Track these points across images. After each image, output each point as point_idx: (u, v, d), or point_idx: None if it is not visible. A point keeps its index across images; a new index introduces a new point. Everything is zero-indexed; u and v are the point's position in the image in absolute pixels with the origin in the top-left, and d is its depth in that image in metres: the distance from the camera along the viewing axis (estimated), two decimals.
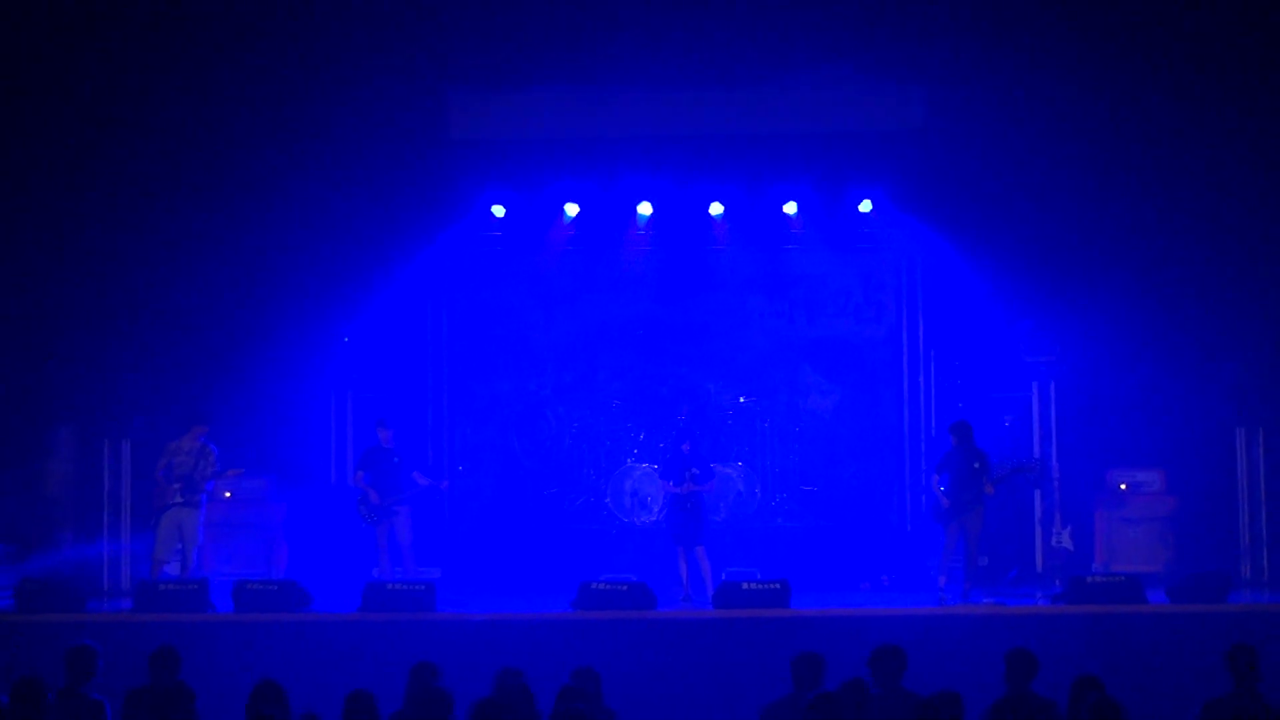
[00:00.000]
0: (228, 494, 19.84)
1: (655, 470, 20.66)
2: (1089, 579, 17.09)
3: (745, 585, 16.81)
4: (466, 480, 21.52)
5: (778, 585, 16.69)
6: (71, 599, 16.81)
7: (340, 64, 20.21)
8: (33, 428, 20.45)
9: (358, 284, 21.08)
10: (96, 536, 19.56)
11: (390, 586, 16.79)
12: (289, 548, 20.26)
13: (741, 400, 21.82)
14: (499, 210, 21.69)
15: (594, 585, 16.81)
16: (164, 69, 20.08)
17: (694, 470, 18.32)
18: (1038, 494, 19.90)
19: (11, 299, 20.30)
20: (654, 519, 20.61)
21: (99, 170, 20.40)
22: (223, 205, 20.56)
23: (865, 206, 21.49)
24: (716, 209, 21.70)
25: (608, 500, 21.13)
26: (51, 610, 16.49)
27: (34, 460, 20.39)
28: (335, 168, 20.79)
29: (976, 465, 17.83)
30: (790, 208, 21.65)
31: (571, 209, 21.74)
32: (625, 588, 16.78)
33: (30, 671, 11.19)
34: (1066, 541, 19.38)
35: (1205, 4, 19.66)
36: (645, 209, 21.71)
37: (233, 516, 20.00)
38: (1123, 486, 20.12)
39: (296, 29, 19.90)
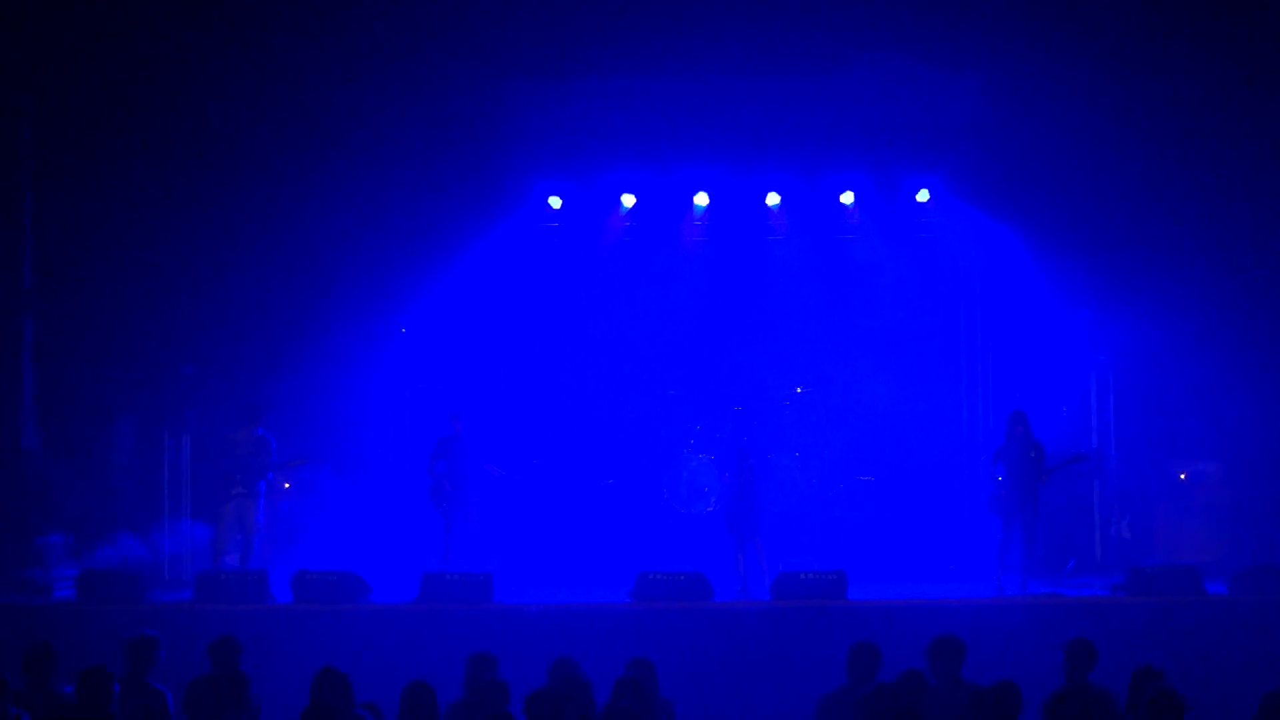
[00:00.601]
0: (286, 485, 19.95)
1: (712, 460, 20.66)
2: (1148, 569, 17.02)
3: (803, 575, 16.80)
4: (536, 471, 21.50)
5: (835, 575, 16.68)
6: (133, 589, 16.94)
7: (398, 57, 20.28)
8: (94, 420, 20.59)
9: (415, 275, 21.14)
10: (157, 527, 19.68)
11: (448, 576, 16.85)
12: (347, 538, 20.33)
13: (798, 391, 21.79)
14: (556, 201, 21.73)
15: (651, 575, 16.83)
16: (221, 65, 20.19)
17: (751, 461, 18.30)
18: (1096, 484, 19.81)
19: (73, 293, 20.43)
20: (711, 509, 20.61)
21: (160, 167, 20.52)
22: (281, 199, 20.65)
23: (922, 196, 21.43)
24: (773, 199, 21.68)
25: (665, 491, 21.13)
26: (113, 600, 16.62)
27: (95, 452, 20.53)
28: (393, 160, 20.85)
29: (1033, 455, 17.76)
30: (847, 198, 21.61)
31: (628, 200, 21.75)
32: (682, 578, 16.79)
33: (94, 662, 11.27)
34: (1126, 532, 19.31)
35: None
36: (702, 200, 21.70)
37: (292, 507, 20.10)
38: (1182, 477, 20.02)
39: (354, 22, 19.98)
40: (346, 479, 20.59)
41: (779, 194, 21.62)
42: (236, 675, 12.07)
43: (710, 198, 21.68)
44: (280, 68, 20.23)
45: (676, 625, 15.95)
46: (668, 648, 14.70)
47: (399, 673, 11.39)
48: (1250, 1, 19.58)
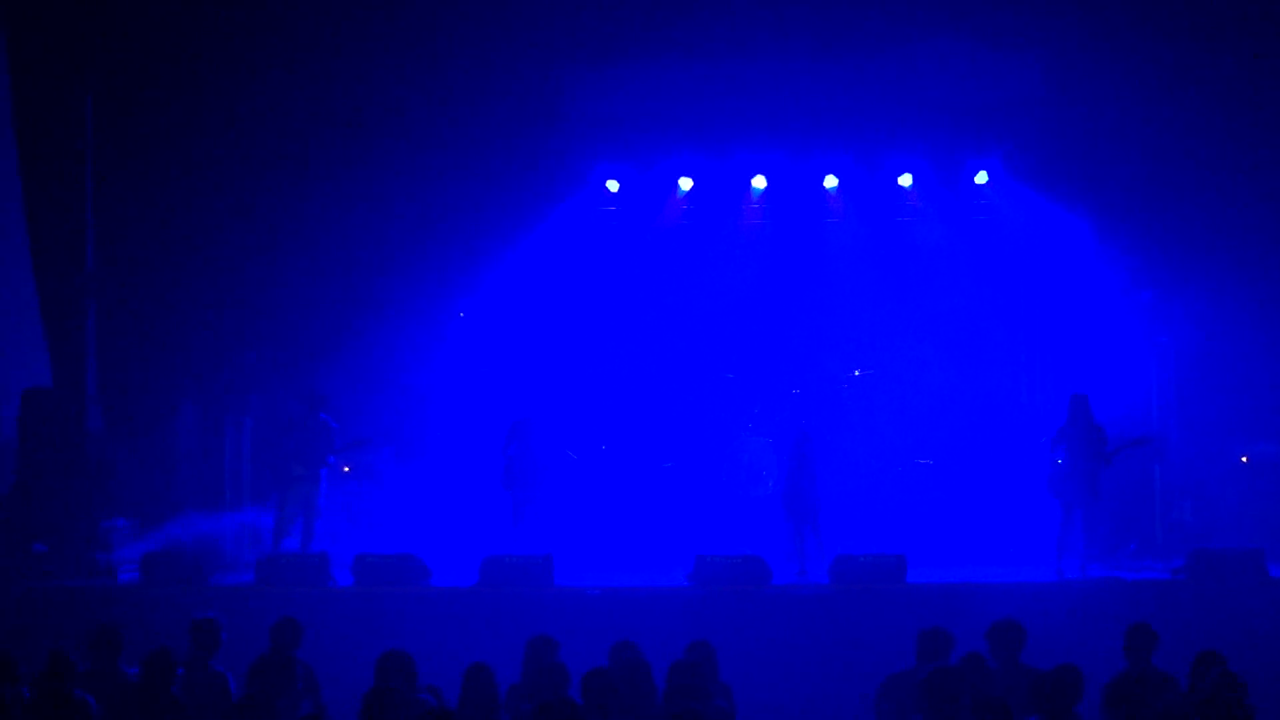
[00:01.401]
0: (346, 468, 20.04)
1: (770, 443, 20.65)
2: (1210, 552, 16.92)
3: (861, 558, 16.81)
4: (600, 455, 21.50)
5: (894, 558, 16.67)
6: (195, 572, 17.10)
7: (456, 41, 20.29)
8: (157, 404, 20.70)
9: (475, 259, 21.15)
10: (219, 510, 19.81)
11: (508, 560, 16.91)
12: (408, 521, 20.42)
13: (857, 374, 21.75)
14: (614, 185, 21.74)
15: (709, 558, 16.85)
16: (281, 50, 20.25)
17: (808, 443, 18.26)
18: (1158, 467, 19.71)
19: (136, 278, 20.54)
20: (769, 492, 20.59)
21: (222, 152, 20.57)
22: (341, 185, 20.67)
23: (981, 178, 21.34)
24: (831, 182, 21.63)
25: (723, 473, 21.12)
26: (176, 583, 16.77)
27: (158, 436, 20.66)
28: (452, 145, 20.86)
29: (1094, 438, 17.68)
30: (905, 180, 21.54)
31: (686, 183, 21.74)
32: (740, 561, 16.81)
33: (157, 644, 11.36)
34: (1187, 515, 19.21)
35: None
36: (760, 182, 21.68)
37: (352, 490, 20.19)
38: (1244, 459, 19.89)
39: (414, 7, 20.02)
40: (407, 463, 20.69)
41: (837, 177, 21.57)
42: (292, 659, 12.17)
43: (768, 181, 21.65)
44: (340, 52, 20.28)
45: (735, 608, 15.98)
46: (727, 630, 14.71)
47: (459, 655, 11.45)
48: None
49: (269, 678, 12.00)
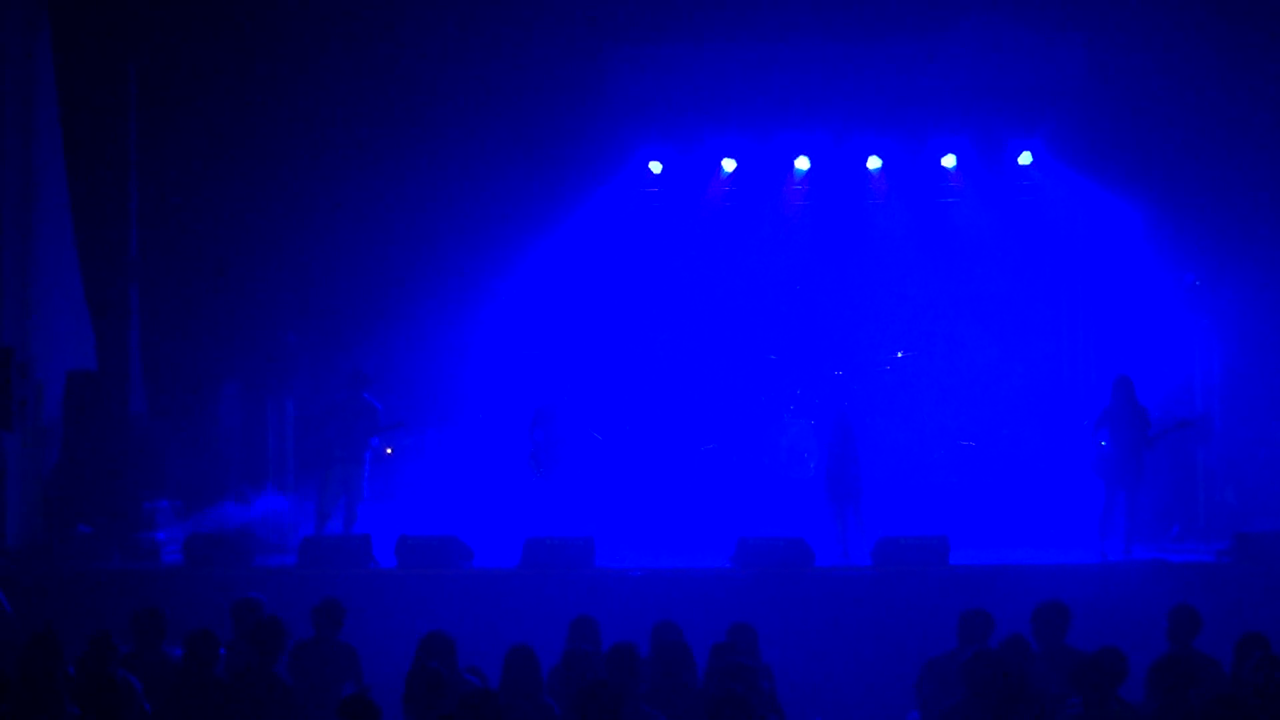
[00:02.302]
0: (389, 450, 20.08)
1: (812, 425, 20.64)
2: (1254, 535, 16.84)
3: (904, 540, 16.75)
4: (628, 437, 21.54)
5: (937, 540, 16.62)
6: (239, 553, 17.14)
7: (499, 22, 20.31)
8: (199, 386, 20.80)
9: (517, 240, 21.17)
10: (262, 492, 19.89)
11: (550, 541, 16.91)
12: (450, 502, 20.46)
13: (900, 355, 21.72)
14: (656, 166, 21.73)
15: (751, 540, 16.82)
16: (322, 31, 20.30)
17: (850, 425, 18.21)
18: (1201, 450, 19.62)
19: (178, 261, 20.63)
20: (810, 474, 20.58)
21: (262, 136, 20.65)
22: (385, 166, 20.76)
23: (1025, 159, 21.28)
24: (874, 163, 21.58)
25: (765, 455, 21.11)
26: (219, 564, 16.82)
27: (201, 418, 20.75)
28: (495, 125, 20.90)
29: (1138, 421, 17.61)
30: (949, 161, 21.49)
31: (729, 164, 21.72)
32: (782, 543, 16.77)
33: (201, 625, 11.42)
34: (1231, 497, 19.13)
35: None
36: (803, 164, 21.65)
37: (395, 471, 20.25)
38: None
39: None
40: (449, 444, 20.73)
41: (880, 158, 21.52)
42: (336, 641, 12.23)
43: (811, 162, 21.62)
44: (383, 33, 20.32)
45: (777, 589, 15.95)
46: (769, 612, 14.70)
47: (501, 636, 11.46)
48: None
49: (312, 659, 12.08)
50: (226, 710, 10.78)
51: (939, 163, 21.49)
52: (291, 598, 14.47)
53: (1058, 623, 11.64)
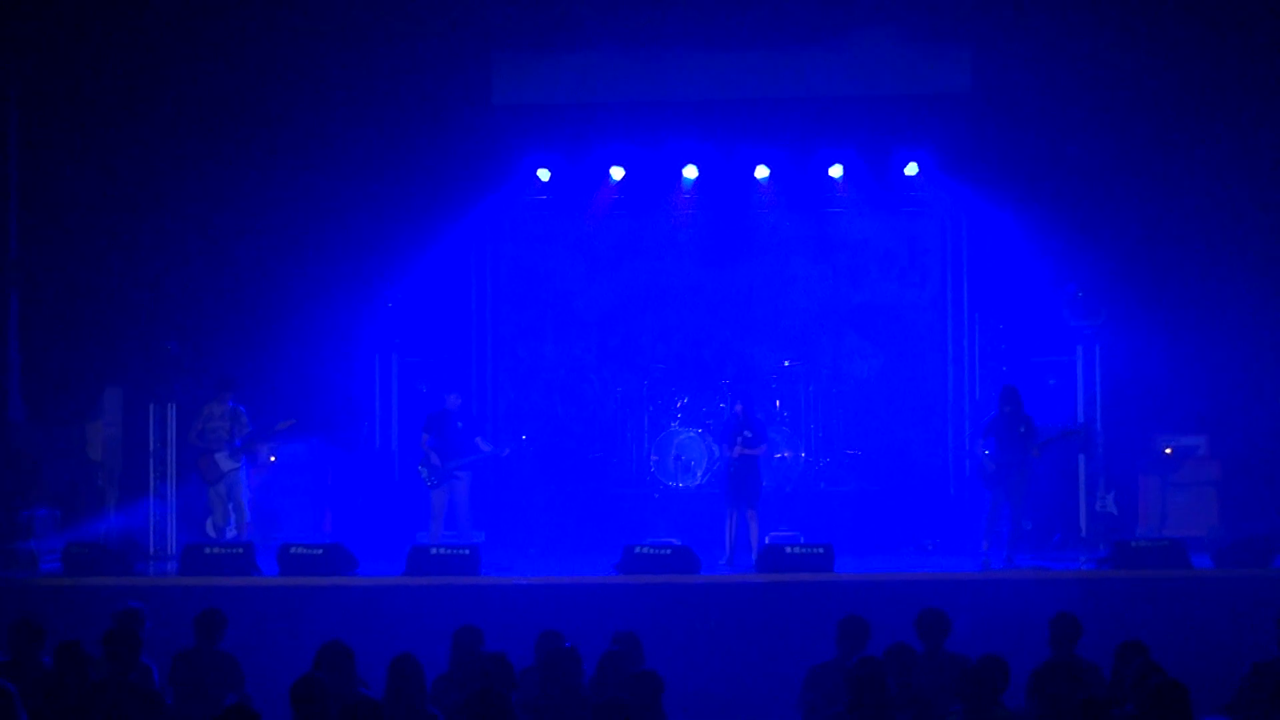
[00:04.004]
0: (273, 458, 19.93)
1: (699, 434, 20.66)
2: (1133, 543, 17.06)
3: (789, 549, 16.81)
4: (528, 447, 21.46)
5: (822, 549, 16.69)
6: (119, 562, 16.92)
7: (385, 29, 20.23)
8: (80, 393, 20.55)
9: (402, 248, 21.10)
10: (142, 499, 19.66)
11: (434, 550, 16.82)
12: (334, 511, 20.34)
13: (786, 364, 21.78)
14: (544, 174, 21.68)
15: (637, 549, 16.83)
16: (202, 39, 20.14)
17: (748, 433, 18.20)
18: (1082, 458, 19.80)
19: (59, 267, 20.39)
20: (698, 483, 20.60)
21: (145, 142, 20.51)
22: (270, 172, 20.64)
23: (911, 170, 21.41)
24: (762, 172, 21.64)
25: (652, 464, 21.11)
26: (99, 573, 16.59)
27: (81, 425, 20.49)
28: (381, 133, 20.86)
29: (1023, 430, 17.74)
30: (836, 171, 21.58)
31: (617, 173, 21.70)
32: (669, 551, 16.78)
33: (80, 635, 11.27)
34: (1111, 506, 19.33)
35: None
36: (690, 172, 21.67)
37: (277, 480, 20.09)
38: (1168, 451, 20.04)
39: None
40: (334, 452, 20.58)
41: (768, 167, 21.59)
42: (220, 651, 12.11)
43: (699, 171, 21.64)
44: (263, 40, 20.18)
45: (663, 599, 15.94)
46: (654, 621, 14.75)
47: (386, 646, 11.38)
48: None
49: (193, 669, 11.95)
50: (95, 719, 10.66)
51: (826, 172, 21.58)
52: (172, 607, 14.35)
53: (938, 630, 11.74)
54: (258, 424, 18.74)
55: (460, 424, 18.96)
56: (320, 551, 16.87)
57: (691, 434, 20.90)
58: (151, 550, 19.20)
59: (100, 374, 20.66)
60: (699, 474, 20.65)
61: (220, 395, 18.69)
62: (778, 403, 21.48)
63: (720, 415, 19.22)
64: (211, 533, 18.53)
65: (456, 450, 18.81)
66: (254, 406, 18.83)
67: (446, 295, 21.76)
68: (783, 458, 20.92)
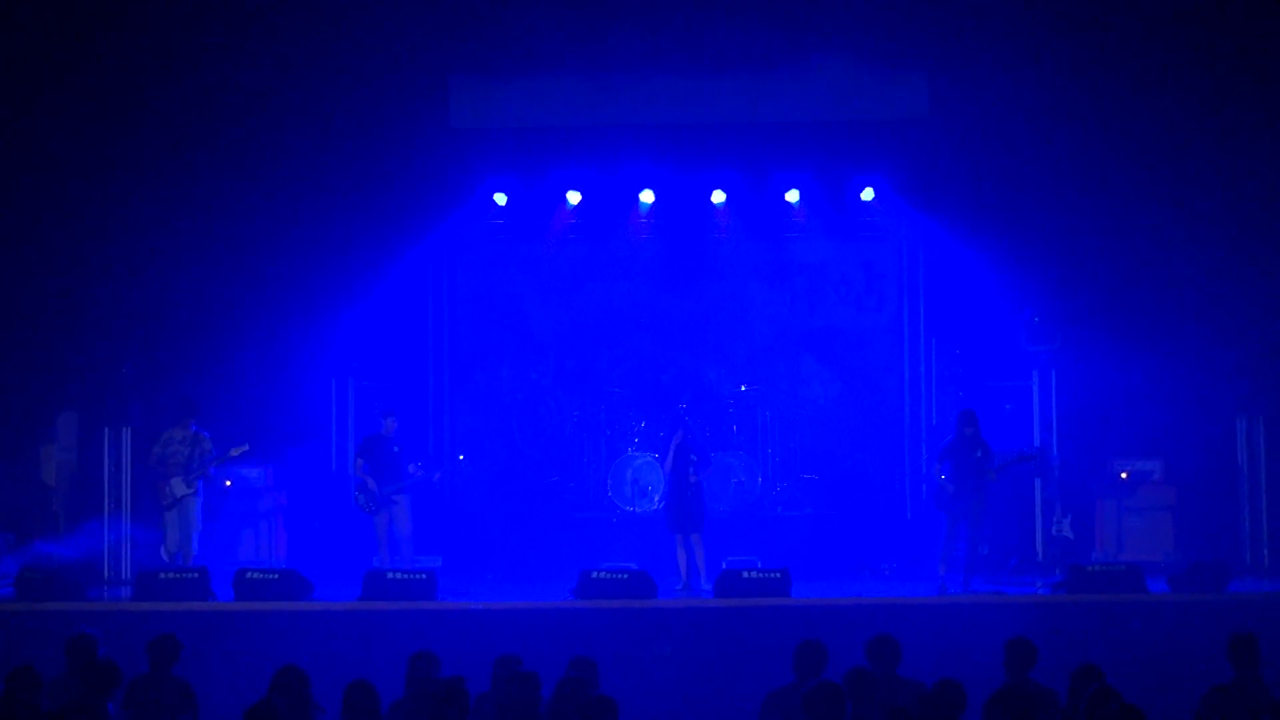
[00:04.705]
0: (228, 483, 19.83)
1: (656, 459, 20.66)
2: (1089, 568, 17.10)
3: (746, 574, 16.79)
4: (467, 468, 21.49)
5: (778, 574, 16.68)
6: (72, 587, 16.80)
7: (343, 52, 20.17)
8: (34, 417, 20.44)
9: (360, 271, 21.05)
10: (97, 524, 19.55)
11: (390, 575, 16.77)
12: (289, 536, 20.27)
13: (743, 389, 21.81)
14: (501, 198, 21.67)
15: (594, 574, 16.80)
16: (162, 61, 20.08)
17: (693, 457, 18.24)
18: (1038, 483, 19.87)
19: (16, 288, 20.28)
20: (655, 507, 20.59)
21: (99, 165, 20.40)
22: (225, 194, 20.56)
23: (867, 195, 21.47)
24: (719, 197, 21.68)
25: (609, 489, 21.10)
26: (53, 599, 16.48)
27: (35, 447, 20.38)
28: (337, 156, 20.79)
29: (979, 454, 17.78)
30: (792, 196, 21.63)
31: (574, 197, 21.72)
32: (626, 576, 16.76)
33: (33, 661, 11.19)
34: (1067, 530, 19.38)
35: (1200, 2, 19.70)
36: (647, 197, 21.68)
37: (233, 505, 19.99)
38: (1124, 475, 20.12)
39: (299, 17, 19.86)
40: (290, 476, 20.51)
41: (724, 191, 21.62)
42: (174, 678, 12.03)
43: (656, 195, 21.66)
44: (222, 63, 20.11)
45: (620, 624, 15.91)
46: (611, 646, 14.73)
47: (341, 672, 11.33)
48: (1196, 10, 19.68)
49: (147, 696, 11.87)
50: None
51: (783, 197, 21.63)
52: (127, 632, 14.25)
53: (889, 655, 11.75)
54: (215, 449, 18.65)
55: (396, 448, 18.89)
56: (275, 576, 16.82)
57: (649, 458, 20.89)
58: (106, 575, 19.10)
59: (55, 398, 20.55)
60: (656, 498, 20.63)
61: (183, 420, 18.56)
62: (734, 427, 21.53)
63: (667, 441, 19.21)
64: (165, 557, 18.43)
65: (393, 475, 18.75)
66: (210, 430, 18.72)
67: (404, 318, 21.72)
68: (739, 482, 20.94)
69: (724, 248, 22.37)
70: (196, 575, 16.92)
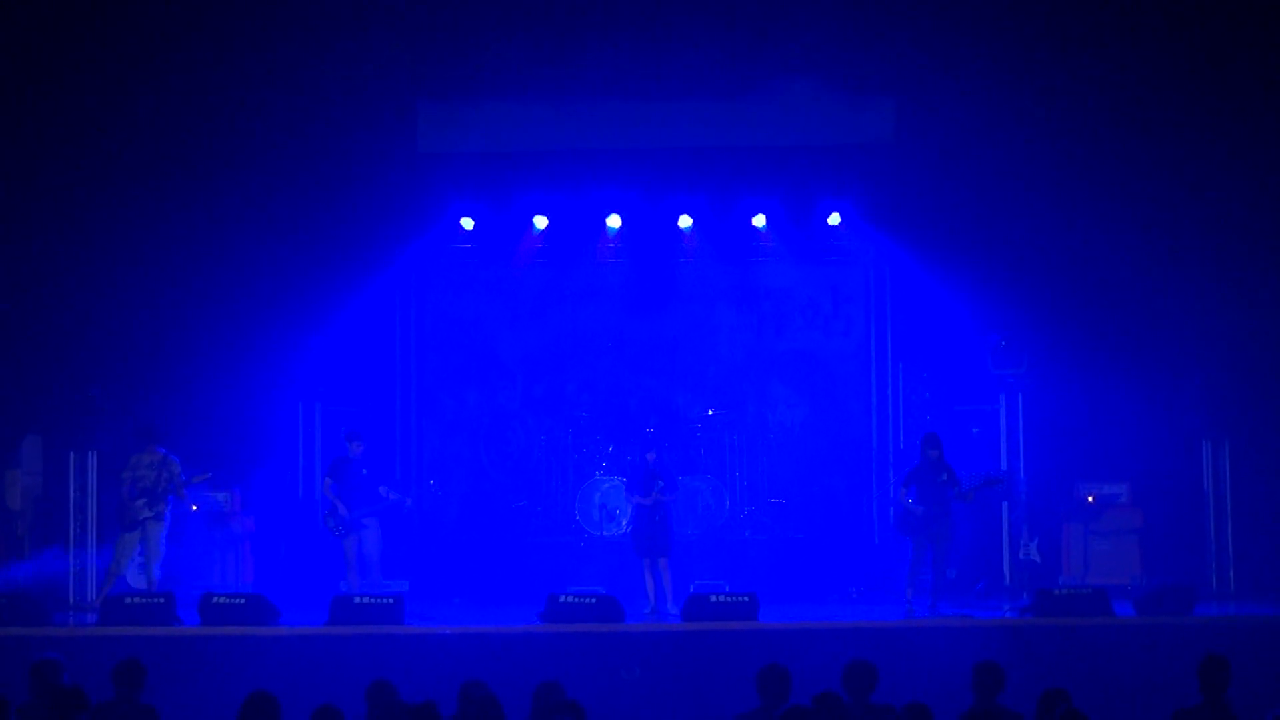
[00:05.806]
0: (194, 507, 19.73)
1: (624, 483, 20.63)
2: (1056, 591, 17.15)
3: (714, 598, 16.79)
4: (435, 493, 21.46)
5: (746, 598, 16.68)
6: (37, 612, 16.71)
7: (310, 77, 20.14)
8: None
9: (327, 295, 21.01)
10: (62, 549, 19.45)
11: (358, 600, 16.72)
12: (256, 560, 20.20)
13: (710, 413, 21.82)
14: (468, 222, 21.67)
15: (562, 598, 16.78)
16: (129, 81, 20.01)
17: (660, 481, 18.24)
18: (1005, 506, 19.93)
19: None
20: (622, 532, 20.55)
21: (62, 188, 20.32)
22: (190, 219, 20.48)
23: (834, 219, 21.52)
24: (685, 222, 21.70)
25: (576, 513, 21.07)
26: (16, 624, 16.37)
27: None
28: (305, 180, 20.74)
29: (943, 477, 17.83)
30: (759, 220, 21.67)
31: (541, 221, 21.72)
32: (593, 600, 16.75)
33: None
34: (1034, 554, 19.43)
35: (1167, 29, 19.77)
36: (614, 221, 21.70)
37: (199, 529, 19.91)
38: (1090, 499, 20.18)
39: (266, 42, 19.84)
40: (256, 500, 20.45)
41: (691, 216, 21.65)
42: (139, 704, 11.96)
43: (623, 220, 21.68)
44: (188, 86, 20.07)
45: (587, 648, 15.89)
46: (578, 671, 14.69)
47: (308, 697, 11.27)
48: (1162, 29, 19.78)
49: None
50: None
51: (750, 222, 21.67)
52: (92, 658, 14.17)
53: (866, 681, 11.72)
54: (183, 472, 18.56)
55: (364, 471, 18.85)
56: (242, 601, 16.76)
57: (616, 482, 20.86)
58: (71, 600, 19.00)
59: (19, 421, 20.45)
60: (624, 522, 20.58)
61: (149, 445, 18.45)
62: (702, 451, 21.54)
63: (633, 465, 19.21)
64: (110, 580, 18.27)
65: (361, 498, 18.70)
66: (178, 454, 18.63)
67: (371, 342, 21.70)
68: (707, 506, 20.94)
69: (691, 272, 22.39)
70: (162, 600, 16.85)
